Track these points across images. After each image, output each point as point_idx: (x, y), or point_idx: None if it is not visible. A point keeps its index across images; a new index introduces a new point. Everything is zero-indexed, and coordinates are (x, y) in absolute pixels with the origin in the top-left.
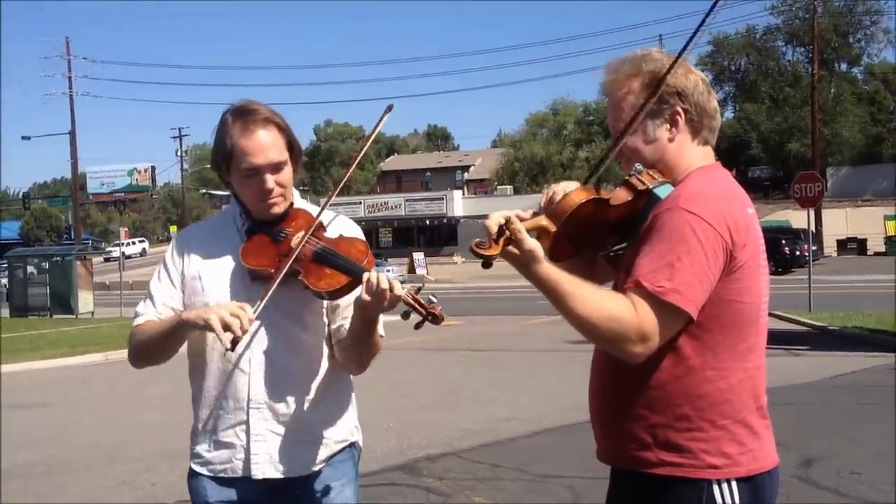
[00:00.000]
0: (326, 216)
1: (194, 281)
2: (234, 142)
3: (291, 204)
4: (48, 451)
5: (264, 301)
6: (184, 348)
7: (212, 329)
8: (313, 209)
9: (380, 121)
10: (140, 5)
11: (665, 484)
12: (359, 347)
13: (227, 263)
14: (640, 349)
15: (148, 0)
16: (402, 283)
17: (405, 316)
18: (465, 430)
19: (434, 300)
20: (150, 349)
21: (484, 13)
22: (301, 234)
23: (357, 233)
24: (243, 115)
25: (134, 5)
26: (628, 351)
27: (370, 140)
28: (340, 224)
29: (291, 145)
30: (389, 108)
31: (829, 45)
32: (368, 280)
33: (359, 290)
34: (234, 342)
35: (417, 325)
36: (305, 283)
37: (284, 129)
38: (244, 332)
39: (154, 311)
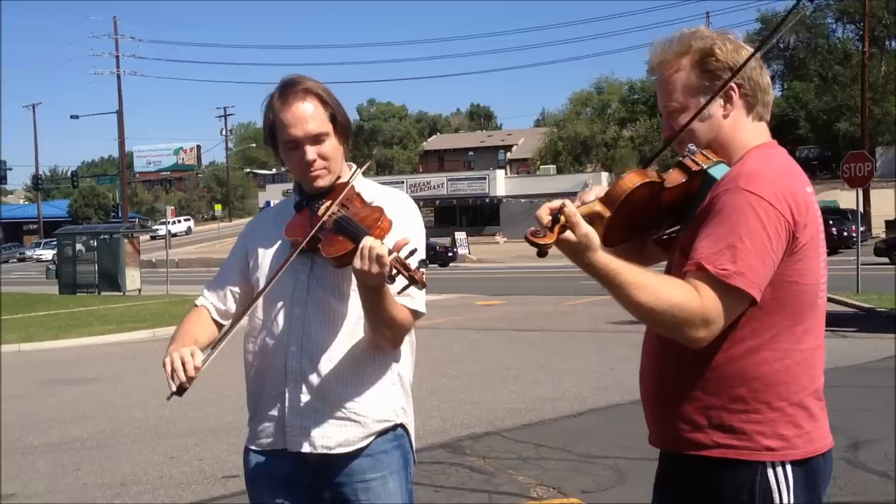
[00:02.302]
0: (385, 193)
1: (250, 258)
2: (276, 115)
3: (338, 178)
4: (98, 426)
5: (228, 336)
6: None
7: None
8: (362, 184)
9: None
10: None
11: (719, 466)
12: (373, 318)
13: (276, 239)
14: (703, 334)
15: None
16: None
17: (390, 280)
18: (508, 410)
19: (422, 269)
20: None
21: None
22: (328, 203)
23: (402, 209)
24: (285, 87)
25: None
26: (692, 336)
27: None
28: (389, 198)
29: (335, 117)
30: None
31: (881, 23)
32: (362, 246)
33: None
34: (180, 389)
35: (400, 291)
36: (321, 250)
37: (327, 102)
38: (188, 378)
39: (213, 298)
